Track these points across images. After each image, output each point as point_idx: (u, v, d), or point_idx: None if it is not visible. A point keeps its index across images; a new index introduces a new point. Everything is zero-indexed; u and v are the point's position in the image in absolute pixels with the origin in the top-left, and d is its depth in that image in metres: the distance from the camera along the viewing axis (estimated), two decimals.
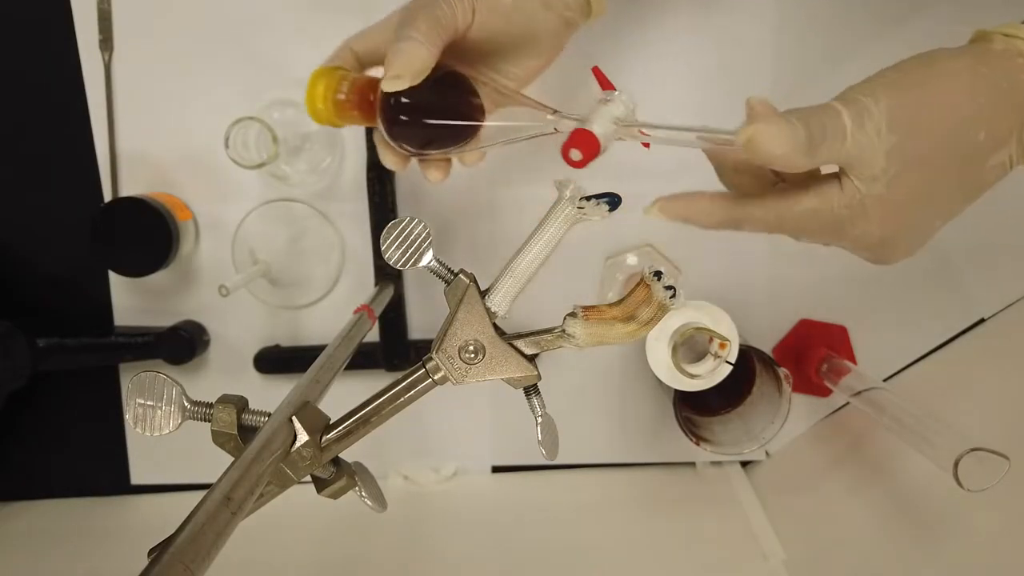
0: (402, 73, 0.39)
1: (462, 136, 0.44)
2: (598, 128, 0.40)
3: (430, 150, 0.46)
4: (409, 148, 0.45)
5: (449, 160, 0.49)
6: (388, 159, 0.48)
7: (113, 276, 0.70)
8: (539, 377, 0.37)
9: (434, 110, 0.43)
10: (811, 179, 0.36)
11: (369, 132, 0.67)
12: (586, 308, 0.36)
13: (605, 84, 0.44)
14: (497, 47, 0.45)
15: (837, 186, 0.34)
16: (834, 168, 0.34)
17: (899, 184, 0.33)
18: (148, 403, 0.34)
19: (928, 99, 0.32)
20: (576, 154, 0.40)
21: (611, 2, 0.47)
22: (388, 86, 0.40)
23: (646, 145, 0.42)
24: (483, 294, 0.37)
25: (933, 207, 0.35)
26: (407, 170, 0.49)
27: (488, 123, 0.44)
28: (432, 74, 0.41)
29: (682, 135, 0.38)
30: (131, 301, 0.71)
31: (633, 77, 0.66)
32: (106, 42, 0.66)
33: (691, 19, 0.66)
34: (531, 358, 0.37)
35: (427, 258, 0.36)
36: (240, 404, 0.36)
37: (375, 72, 0.45)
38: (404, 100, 0.43)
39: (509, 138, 0.44)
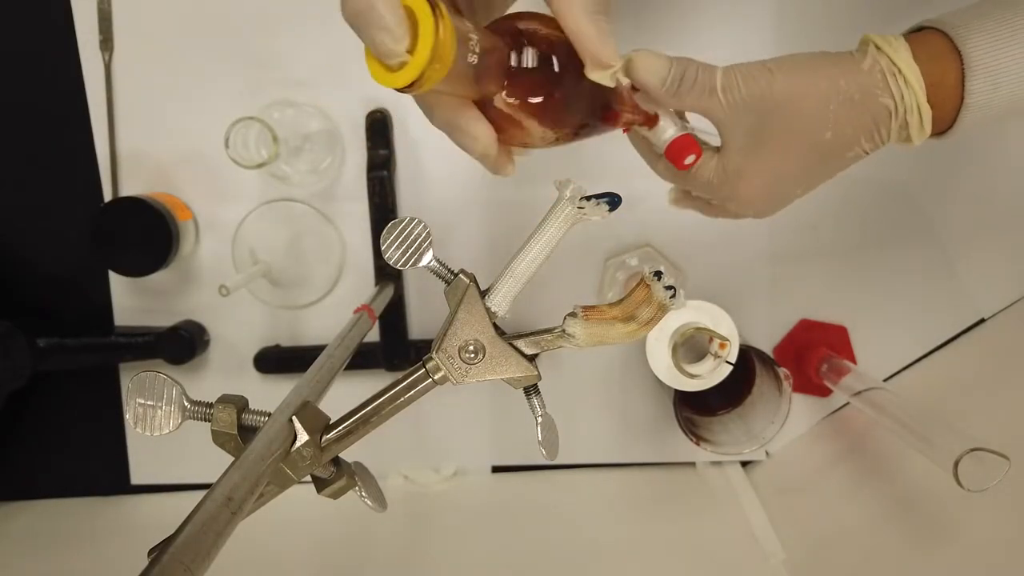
0: (615, 61, 0.35)
1: (595, 122, 0.39)
2: (680, 128, 0.40)
3: (547, 141, 0.38)
4: (531, 139, 0.37)
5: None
6: (502, 164, 0.38)
7: (113, 276, 0.70)
8: (539, 377, 0.37)
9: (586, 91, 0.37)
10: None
11: (374, 129, 0.67)
12: (586, 308, 0.36)
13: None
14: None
15: (715, 157, 0.40)
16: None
17: (756, 158, 0.39)
18: (148, 403, 0.34)
19: (787, 95, 0.37)
20: (692, 158, 0.40)
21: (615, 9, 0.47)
22: (606, 79, 0.35)
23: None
24: (483, 294, 0.37)
25: (789, 181, 0.40)
26: (493, 150, 0.37)
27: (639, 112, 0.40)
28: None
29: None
30: (131, 301, 0.71)
31: None
32: (106, 42, 0.66)
33: (691, 20, 0.66)
34: (531, 358, 0.37)
35: (427, 258, 0.36)
36: (240, 404, 0.35)
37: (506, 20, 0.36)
38: (558, 82, 0.35)
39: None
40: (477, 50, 0.31)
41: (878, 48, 0.37)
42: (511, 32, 0.35)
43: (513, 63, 0.35)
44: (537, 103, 0.35)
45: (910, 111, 0.37)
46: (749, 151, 0.39)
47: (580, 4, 0.33)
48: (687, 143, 0.40)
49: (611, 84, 0.36)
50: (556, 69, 0.35)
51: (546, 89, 0.35)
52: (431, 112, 0.36)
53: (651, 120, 0.40)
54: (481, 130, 0.35)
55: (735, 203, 0.42)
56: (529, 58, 0.35)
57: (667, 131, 0.40)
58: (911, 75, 0.36)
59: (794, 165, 0.39)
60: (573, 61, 0.35)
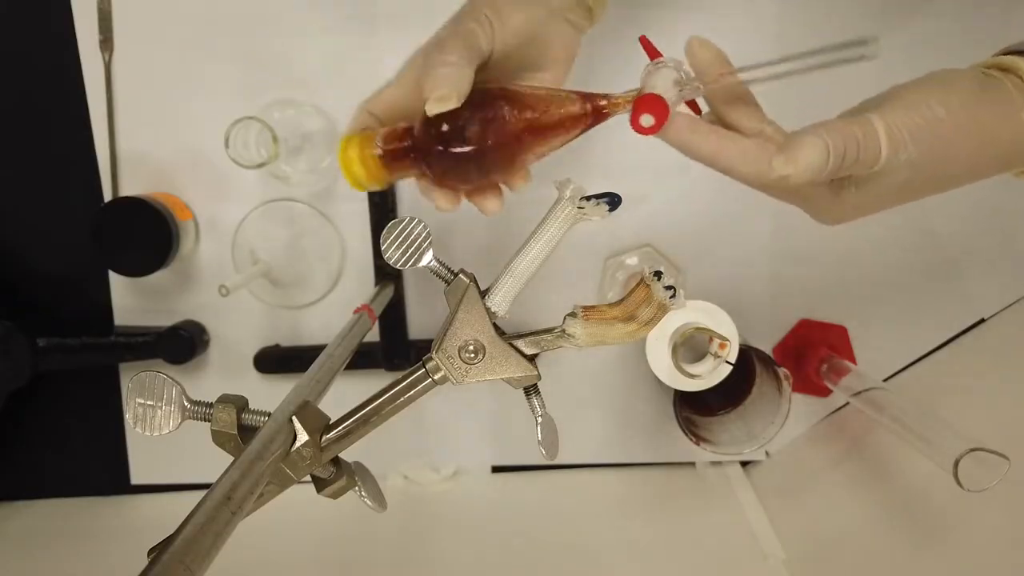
0: (448, 93, 0.36)
1: (513, 155, 0.40)
2: (663, 90, 0.37)
3: (483, 179, 0.42)
4: (459, 183, 0.43)
5: (499, 187, 0.46)
6: (441, 202, 0.44)
7: (113, 276, 0.70)
8: (539, 377, 0.37)
9: (484, 129, 0.39)
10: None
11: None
12: (586, 308, 0.36)
13: (653, 53, 0.39)
14: (514, 67, 0.43)
15: (827, 192, 0.37)
16: None
17: (880, 201, 0.37)
18: (148, 403, 0.34)
19: (949, 153, 0.34)
20: (648, 119, 0.36)
21: (611, 7, 0.47)
22: (433, 108, 0.37)
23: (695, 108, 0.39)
24: (483, 294, 0.37)
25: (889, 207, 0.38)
26: (459, 209, 0.45)
27: (537, 142, 0.40)
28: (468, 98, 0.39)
29: (761, 71, 0.36)
30: (131, 301, 0.71)
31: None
32: (106, 42, 0.66)
33: (693, 22, 0.66)
34: (531, 358, 0.37)
35: (427, 258, 0.36)
36: (240, 404, 0.36)
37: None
38: (447, 128, 0.39)
39: (563, 140, 0.41)
40: (379, 150, 0.42)
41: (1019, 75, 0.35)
42: (410, 131, 0.42)
43: (420, 142, 0.41)
44: (449, 169, 0.41)
45: None
46: (880, 196, 0.36)
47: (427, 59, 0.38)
48: (653, 104, 0.36)
49: (432, 112, 0.38)
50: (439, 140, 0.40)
51: (437, 146, 0.40)
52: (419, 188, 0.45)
53: (593, 115, 0.39)
54: (434, 195, 0.44)
55: (825, 219, 0.40)
56: (428, 132, 0.40)
57: (654, 85, 0.37)
58: None
59: (911, 199, 0.37)
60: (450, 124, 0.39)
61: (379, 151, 0.41)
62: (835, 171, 0.33)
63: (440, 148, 0.39)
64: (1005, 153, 0.35)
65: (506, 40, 0.41)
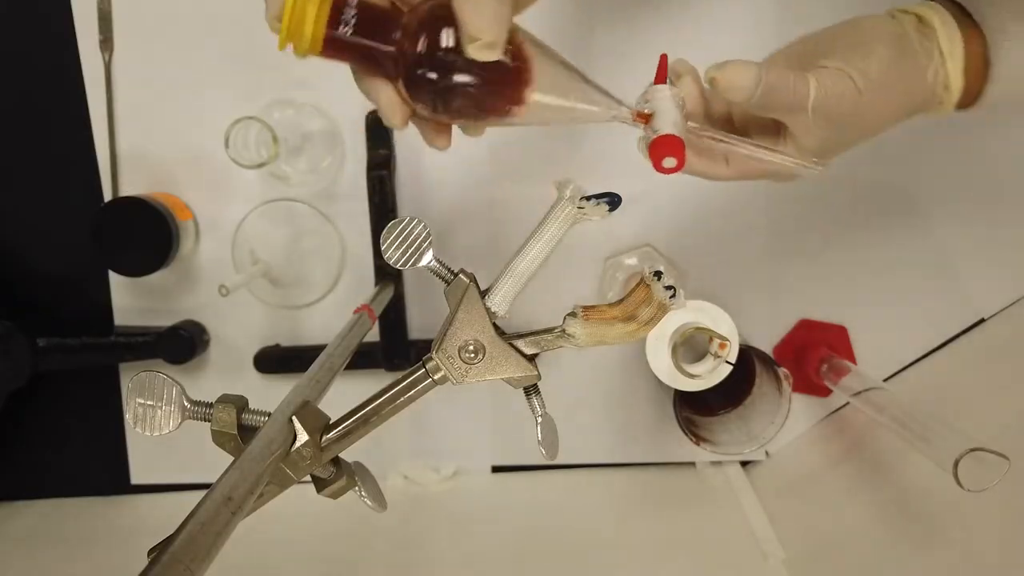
0: (497, 40, 0.31)
1: (500, 106, 0.35)
2: (672, 127, 0.37)
3: (456, 117, 0.36)
4: (427, 111, 0.35)
5: (450, 125, 0.39)
6: (396, 116, 0.36)
7: (113, 276, 0.70)
8: (539, 377, 0.37)
9: (478, 73, 0.33)
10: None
11: (374, 129, 0.67)
12: (586, 308, 0.36)
13: (662, 76, 0.40)
14: None
15: (782, 143, 0.41)
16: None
17: (808, 151, 0.41)
18: (148, 403, 0.34)
19: (871, 114, 0.39)
20: (670, 162, 0.37)
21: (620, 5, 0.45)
22: (482, 55, 0.31)
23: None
24: (483, 294, 0.37)
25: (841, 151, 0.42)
26: (405, 129, 0.37)
27: (545, 98, 0.35)
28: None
29: (736, 147, 0.41)
30: (131, 301, 0.71)
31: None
32: (106, 42, 0.66)
33: (696, 19, 0.66)
34: (531, 358, 0.37)
35: (427, 258, 0.36)
36: (240, 404, 0.36)
37: None
38: (443, 56, 0.33)
39: (553, 117, 0.37)
40: (352, 22, 0.32)
41: (941, 53, 0.39)
42: (405, 14, 0.34)
43: (405, 47, 0.33)
44: (426, 91, 0.34)
45: (948, 102, 0.40)
46: (809, 149, 0.40)
47: None
48: (673, 145, 0.37)
49: (487, 58, 0.32)
50: (445, 49, 0.32)
51: (438, 57, 0.33)
52: (355, 78, 0.36)
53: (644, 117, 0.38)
54: (383, 98, 0.35)
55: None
56: (416, 24, 0.33)
57: (663, 127, 0.37)
58: (955, 83, 0.39)
59: (836, 151, 0.41)
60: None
61: (347, 29, 0.32)
62: (762, 102, 0.37)
63: (427, 70, 0.33)
64: (914, 106, 0.40)
65: None
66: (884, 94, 0.39)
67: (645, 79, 0.40)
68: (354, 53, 0.33)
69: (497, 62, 0.32)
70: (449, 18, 0.32)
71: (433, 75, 0.33)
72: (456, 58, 0.32)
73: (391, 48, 0.33)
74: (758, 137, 0.43)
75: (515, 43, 0.34)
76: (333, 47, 0.32)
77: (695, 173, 0.44)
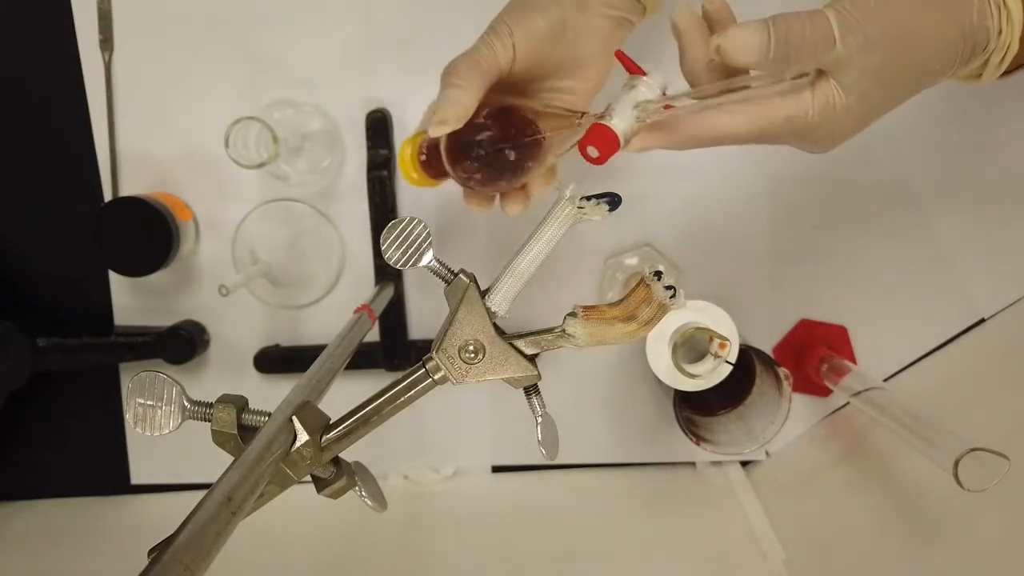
0: (446, 118, 0.41)
1: (521, 164, 0.44)
2: (617, 120, 0.39)
3: (499, 183, 0.46)
4: (481, 187, 0.47)
5: (526, 193, 0.49)
6: (471, 204, 0.49)
7: (113, 276, 0.70)
8: (539, 377, 0.37)
9: (487, 145, 0.44)
10: (781, 83, 0.37)
11: (374, 129, 0.67)
12: (586, 308, 0.36)
13: (632, 68, 0.41)
14: (548, 69, 0.45)
15: (810, 93, 0.36)
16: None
17: (867, 98, 0.35)
18: (148, 403, 0.34)
19: (911, 29, 0.34)
20: (593, 151, 0.39)
21: None
22: (434, 131, 0.41)
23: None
24: (483, 294, 0.37)
25: (882, 111, 0.37)
26: (493, 210, 0.50)
27: (546, 152, 0.44)
28: (484, 112, 0.43)
29: (705, 98, 0.38)
30: (131, 301, 0.71)
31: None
32: (106, 42, 0.66)
33: None
34: (531, 358, 0.37)
35: (427, 258, 0.36)
36: (240, 404, 0.36)
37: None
38: (460, 141, 0.44)
39: (564, 151, 0.44)
40: (423, 156, 0.48)
41: None
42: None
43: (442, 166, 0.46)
44: (470, 177, 0.45)
45: (1000, 48, 0.35)
46: (865, 92, 0.35)
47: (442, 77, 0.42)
48: (601, 134, 0.38)
49: (434, 134, 0.42)
50: (481, 151, 0.44)
51: (466, 161, 0.45)
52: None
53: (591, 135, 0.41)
54: (467, 198, 0.49)
55: (815, 142, 0.38)
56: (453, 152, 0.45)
57: (599, 117, 0.39)
58: (1016, 10, 0.34)
59: (897, 97, 0.36)
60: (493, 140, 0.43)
61: (423, 157, 0.48)
62: (782, 56, 0.33)
63: (456, 156, 0.45)
64: (966, 34, 0.34)
65: (531, 49, 0.43)
66: (925, 11, 0.34)
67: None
68: (437, 167, 0.47)
69: (494, 136, 0.44)
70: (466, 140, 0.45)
71: (459, 160, 0.45)
72: (465, 145, 0.45)
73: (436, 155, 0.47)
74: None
75: (514, 117, 0.44)
76: (427, 169, 0.49)
77: (648, 149, 0.41)
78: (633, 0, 0.45)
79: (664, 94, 0.39)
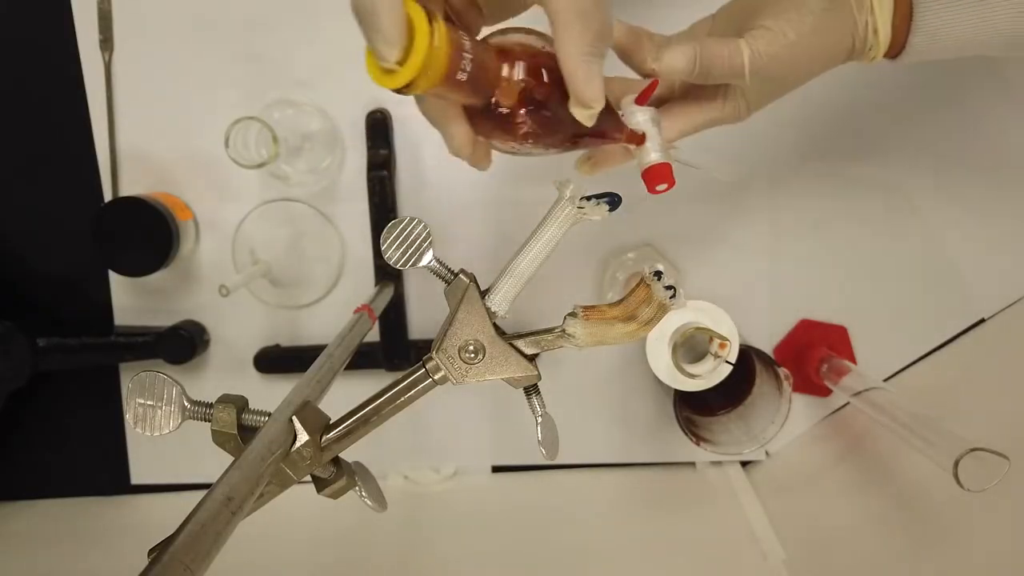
0: (599, 109, 0.35)
1: (566, 143, 0.39)
2: (658, 153, 0.41)
3: (537, 150, 0.39)
4: (501, 144, 0.39)
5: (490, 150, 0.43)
6: (465, 147, 0.39)
7: (113, 276, 0.70)
8: (539, 377, 0.37)
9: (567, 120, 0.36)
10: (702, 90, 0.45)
11: (374, 129, 0.67)
12: (586, 308, 0.36)
13: (644, 98, 0.42)
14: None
15: (721, 103, 0.44)
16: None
17: (764, 98, 0.44)
18: (148, 403, 0.34)
19: (805, 64, 0.41)
20: (663, 187, 0.41)
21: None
22: (585, 119, 0.35)
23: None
24: (483, 294, 0.37)
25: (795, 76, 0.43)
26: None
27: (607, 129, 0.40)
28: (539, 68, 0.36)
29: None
30: (131, 301, 0.71)
31: None
32: (106, 42, 0.66)
33: None
34: (531, 358, 0.37)
35: (427, 258, 0.36)
36: (240, 404, 0.36)
37: (492, 36, 0.37)
38: (535, 110, 0.36)
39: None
40: (469, 68, 0.33)
41: (871, 3, 0.41)
42: (507, 48, 0.36)
43: (504, 78, 0.35)
44: (523, 120, 0.36)
45: (877, 49, 0.42)
46: (763, 96, 0.44)
47: (575, 45, 0.33)
48: (665, 173, 0.41)
49: (589, 123, 0.36)
50: (544, 91, 0.36)
51: (532, 108, 0.36)
52: (419, 101, 0.38)
53: (638, 139, 0.41)
54: (459, 133, 0.38)
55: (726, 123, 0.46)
56: (520, 76, 0.35)
57: (651, 154, 0.41)
58: (884, 25, 0.41)
59: (803, 77, 0.43)
60: (562, 86, 0.35)
61: (463, 76, 0.32)
62: (702, 77, 0.40)
63: (522, 123, 0.36)
64: (845, 54, 0.42)
65: None
66: (817, 44, 0.40)
67: None
68: (457, 94, 0.34)
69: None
70: (542, 75, 0.35)
71: (524, 124, 0.36)
72: (546, 112, 0.36)
73: (490, 98, 0.36)
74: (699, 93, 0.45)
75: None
76: (446, 85, 0.33)
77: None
78: None
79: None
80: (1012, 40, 0.40)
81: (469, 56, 0.32)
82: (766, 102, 0.45)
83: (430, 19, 0.30)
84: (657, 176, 0.41)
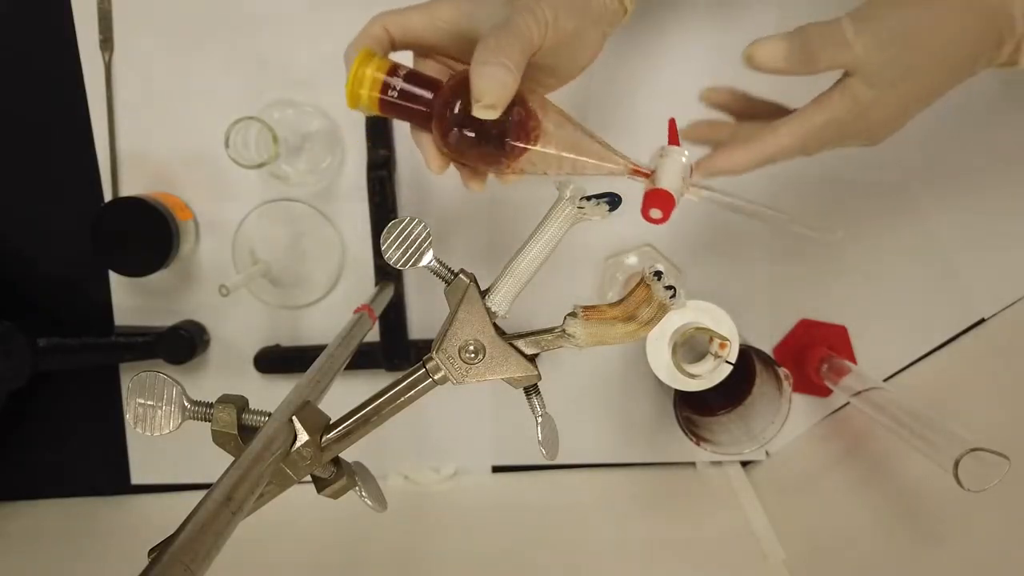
0: (496, 103, 0.37)
1: (515, 154, 0.41)
2: (667, 184, 0.41)
3: (476, 163, 0.43)
4: (460, 159, 0.43)
5: (484, 172, 0.46)
6: (433, 164, 0.44)
7: (113, 276, 0.70)
8: (539, 377, 0.37)
9: (496, 129, 0.40)
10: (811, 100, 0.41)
11: (374, 129, 0.67)
12: (586, 308, 0.36)
13: (674, 138, 0.44)
14: (551, 64, 0.43)
15: (837, 95, 0.39)
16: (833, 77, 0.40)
17: (893, 90, 0.39)
18: (148, 403, 0.34)
19: (927, 22, 0.37)
20: (657, 213, 0.41)
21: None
22: (483, 114, 0.37)
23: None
24: (483, 294, 0.37)
25: (920, 100, 0.40)
26: (444, 173, 0.45)
27: (547, 150, 0.41)
28: None
29: (733, 202, 0.44)
30: (131, 301, 0.71)
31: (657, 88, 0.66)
32: (106, 42, 0.66)
33: (702, 28, 0.66)
34: (531, 358, 0.37)
35: (427, 258, 0.36)
36: (240, 404, 0.36)
37: (425, 66, 0.43)
38: (459, 115, 0.39)
39: (557, 166, 0.42)
40: (397, 90, 0.40)
41: None
42: (434, 76, 0.41)
43: (429, 99, 0.40)
44: (456, 135, 0.40)
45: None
46: (887, 83, 0.38)
47: (478, 53, 0.37)
48: (661, 199, 0.41)
49: (487, 117, 0.37)
50: (461, 102, 0.39)
51: (458, 121, 0.39)
52: (411, 130, 0.43)
53: (643, 174, 0.42)
54: (428, 153, 0.42)
55: (860, 137, 0.41)
56: (443, 97, 0.40)
57: (660, 182, 0.41)
58: None
59: (929, 84, 0.39)
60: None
61: (395, 92, 0.40)
62: (803, 59, 0.38)
63: (455, 126, 0.40)
64: (986, 19, 0.37)
65: (550, 44, 0.40)
66: (926, 100, 0.38)
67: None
68: (400, 113, 0.41)
69: (500, 119, 0.38)
70: (467, 86, 0.38)
71: (453, 129, 0.40)
72: (466, 117, 0.38)
73: (426, 110, 0.40)
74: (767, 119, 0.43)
75: (525, 106, 0.40)
76: (385, 107, 0.40)
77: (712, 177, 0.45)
78: (620, 12, 0.45)
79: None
80: None
81: (397, 83, 0.40)
82: (902, 95, 0.39)
83: (369, 59, 0.40)
84: (653, 200, 0.41)
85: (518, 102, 0.40)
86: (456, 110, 0.39)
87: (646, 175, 0.42)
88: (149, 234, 0.63)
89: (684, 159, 0.42)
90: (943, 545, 0.54)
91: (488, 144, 0.40)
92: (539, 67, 0.43)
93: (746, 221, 0.69)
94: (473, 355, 0.36)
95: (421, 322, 0.71)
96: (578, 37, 0.42)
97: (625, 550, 0.67)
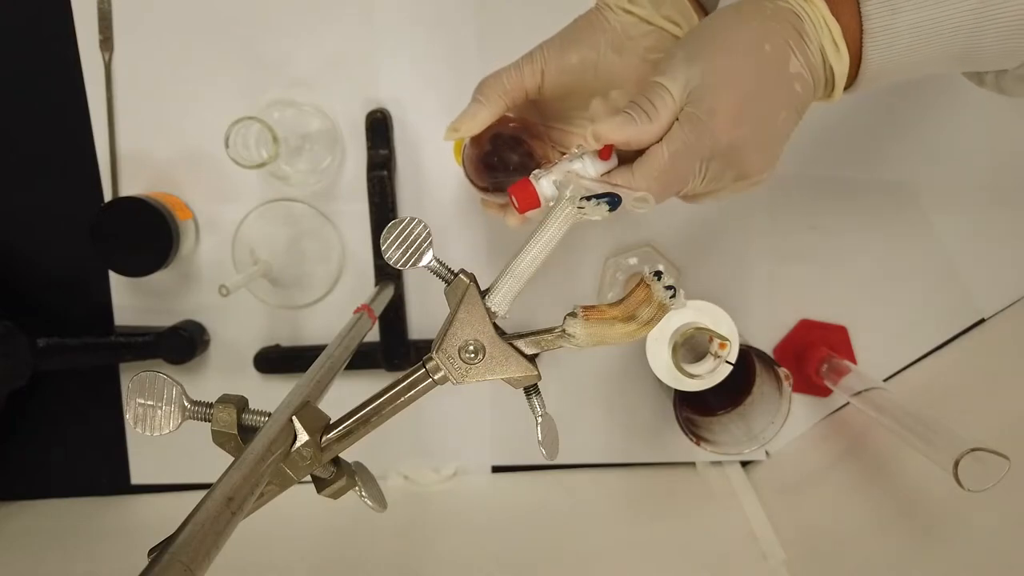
0: (458, 127, 0.46)
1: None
2: (545, 182, 0.41)
3: (498, 196, 0.51)
4: (489, 195, 0.51)
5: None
6: (485, 208, 0.54)
7: (113, 276, 0.70)
8: (539, 377, 0.37)
9: (490, 161, 0.49)
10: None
11: (374, 129, 0.67)
12: (586, 308, 0.36)
13: (605, 152, 0.42)
14: (578, 101, 0.48)
15: (677, 126, 0.39)
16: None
17: (719, 102, 0.38)
18: (148, 403, 0.34)
19: (715, 35, 0.39)
20: (513, 200, 0.42)
21: None
22: (445, 136, 0.46)
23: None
24: (483, 294, 0.37)
25: (762, 120, 0.39)
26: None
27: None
28: (501, 131, 0.48)
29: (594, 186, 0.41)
30: (131, 301, 0.71)
31: None
32: (106, 42, 0.66)
33: None
34: (531, 358, 0.37)
35: (427, 258, 0.36)
36: (240, 404, 0.36)
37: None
38: (473, 152, 0.50)
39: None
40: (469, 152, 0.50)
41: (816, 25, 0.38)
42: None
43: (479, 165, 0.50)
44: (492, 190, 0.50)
45: (819, 26, 0.38)
46: (710, 95, 0.38)
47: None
48: (518, 188, 0.41)
49: (446, 138, 0.46)
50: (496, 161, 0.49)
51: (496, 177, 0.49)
52: (481, 202, 0.55)
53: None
54: (482, 201, 0.54)
55: (726, 159, 0.40)
56: (486, 160, 0.49)
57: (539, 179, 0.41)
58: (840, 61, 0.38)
59: (760, 99, 0.39)
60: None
61: (463, 158, 0.51)
62: (648, 119, 0.39)
63: (467, 162, 0.50)
64: (781, 26, 0.38)
65: (560, 80, 0.46)
66: (757, 99, 0.38)
67: None
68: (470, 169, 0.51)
69: (507, 158, 0.49)
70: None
71: (469, 164, 0.50)
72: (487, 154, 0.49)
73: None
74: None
75: (530, 146, 0.49)
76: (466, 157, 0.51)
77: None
78: (673, 39, 0.46)
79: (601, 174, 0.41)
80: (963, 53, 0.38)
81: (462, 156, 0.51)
82: (727, 108, 0.38)
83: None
84: (517, 188, 0.41)
85: (510, 139, 0.48)
86: (467, 151, 0.50)
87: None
88: (149, 234, 0.63)
89: (579, 165, 0.41)
90: (943, 545, 0.54)
91: (486, 174, 0.49)
92: (569, 105, 0.48)
93: (746, 221, 0.69)
94: (473, 355, 0.36)
95: (421, 322, 0.71)
96: (594, 68, 0.46)
97: (625, 550, 0.67)
